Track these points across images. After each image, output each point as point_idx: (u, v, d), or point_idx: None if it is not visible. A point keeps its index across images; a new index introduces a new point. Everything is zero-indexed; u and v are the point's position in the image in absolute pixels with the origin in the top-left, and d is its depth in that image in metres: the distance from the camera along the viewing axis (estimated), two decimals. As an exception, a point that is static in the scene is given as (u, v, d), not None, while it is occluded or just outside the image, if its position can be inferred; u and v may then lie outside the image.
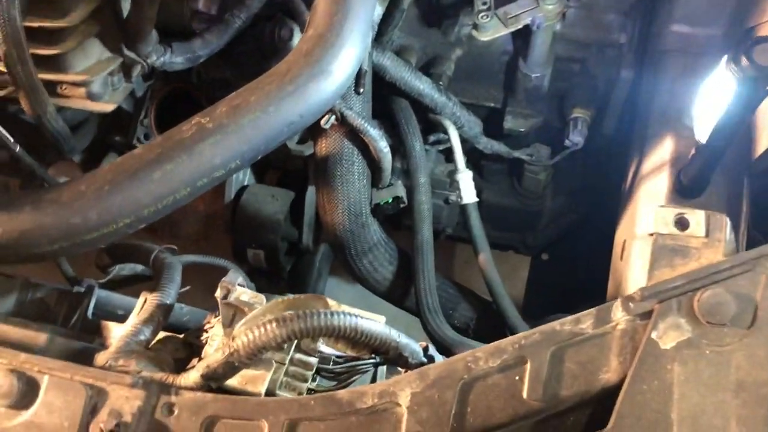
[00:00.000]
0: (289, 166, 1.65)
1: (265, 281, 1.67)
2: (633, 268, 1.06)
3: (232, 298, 0.73)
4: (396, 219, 1.51)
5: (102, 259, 1.05)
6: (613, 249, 1.24)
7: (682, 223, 0.63)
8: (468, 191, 1.31)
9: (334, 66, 0.87)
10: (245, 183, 1.64)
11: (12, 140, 1.10)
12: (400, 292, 1.32)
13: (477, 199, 1.32)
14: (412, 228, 1.29)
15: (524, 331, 1.20)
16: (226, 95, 1.37)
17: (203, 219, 2.12)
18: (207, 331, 0.78)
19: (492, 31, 1.25)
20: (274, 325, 0.63)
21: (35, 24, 0.95)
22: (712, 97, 0.82)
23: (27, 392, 0.63)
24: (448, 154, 1.47)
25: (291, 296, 0.70)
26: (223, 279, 0.75)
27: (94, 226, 0.79)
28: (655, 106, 1.15)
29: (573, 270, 1.76)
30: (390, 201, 1.24)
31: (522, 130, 1.42)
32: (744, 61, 0.73)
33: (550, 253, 1.79)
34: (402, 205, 1.26)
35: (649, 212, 1.06)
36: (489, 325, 1.32)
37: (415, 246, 1.27)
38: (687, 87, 1.09)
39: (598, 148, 1.46)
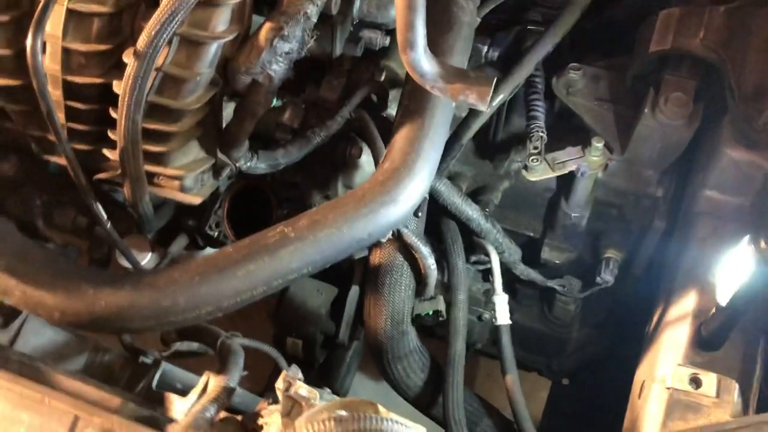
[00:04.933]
0: (336, 265, 1.77)
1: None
2: (649, 409, 1.13)
3: (292, 392, 0.83)
4: (431, 329, 1.61)
5: (169, 335, 1.16)
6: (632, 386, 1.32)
7: (696, 382, 0.72)
8: (503, 313, 1.41)
9: (403, 197, 1.00)
10: (294, 275, 1.76)
11: (105, 217, 1.26)
12: (427, 400, 1.40)
13: (510, 322, 1.42)
14: (447, 340, 1.38)
15: (542, 455, 1.28)
16: (293, 196, 1.53)
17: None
18: (263, 416, 0.88)
19: (540, 173, 1.39)
20: (332, 423, 0.73)
21: (150, 126, 1.10)
22: (734, 266, 0.93)
23: (113, 453, 0.73)
24: (486, 274, 1.58)
25: (347, 399, 0.80)
26: (286, 373, 0.86)
27: (181, 310, 0.91)
28: (684, 261, 1.25)
29: (592, 399, 1.82)
30: (430, 313, 1.35)
31: (557, 261, 1.53)
32: (763, 244, 0.84)
33: (572, 379, 1.86)
34: (441, 319, 1.36)
35: (668, 360, 1.15)
36: (509, 444, 1.39)
37: (448, 358, 1.36)
38: (714, 248, 1.20)
39: (627, 288, 1.56)
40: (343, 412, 0.75)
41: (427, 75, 0.93)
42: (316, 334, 1.65)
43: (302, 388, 0.84)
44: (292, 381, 0.83)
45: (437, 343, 1.55)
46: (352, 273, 1.68)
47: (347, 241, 0.98)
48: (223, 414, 0.92)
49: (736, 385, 0.73)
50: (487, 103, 0.95)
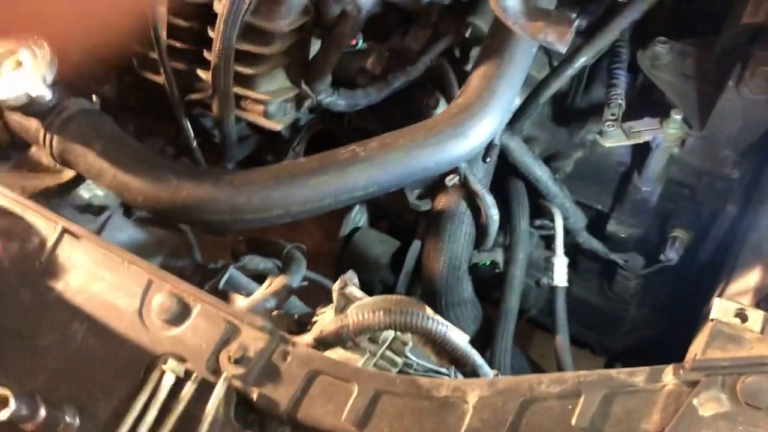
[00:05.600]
0: (401, 219, 1.82)
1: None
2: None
3: (347, 291, 0.88)
4: (486, 290, 1.63)
5: (240, 247, 1.23)
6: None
7: (741, 317, 0.73)
8: (560, 275, 1.42)
9: (473, 131, 1.04)
10: (360, 224, 1.82)
11: (193, 136, 1.34)
12: (475, 352, 1.43)
13: (567, 285, 1.42)
14: (501, 296, 1.41)
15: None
16: (368, 144, 1.58)
17: (309, 255, 2.34)
18: (317, 315, 0.93)
19: (614, 139, 1.39)
20: (381, 312, 0.77)
21: (243, 47, 1.17)
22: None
23: (181, 313, 0.80)
24: (548, 242, 1.59)
25: (396, 296, 0.84)
26: (342, 275, 0.91)
27: (254, 209, 0.97)
28: (750, 240, 1.23)
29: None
30: (487, 263, 1.37)
31: (623, 236, 1.52)
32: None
33: (624, 364, 1.84)
34: (497, 270, 1.38)
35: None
36: (551, 401, 1.40)
37: (500, 312, 1.38)
38: (784, 227, 1.18)
39: (692, 272, 1.53)
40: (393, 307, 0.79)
41: (510, 9, 0.96)
42: (375, 281, 1.70)
43: (356, 290, 0.89)
44: (347, 281, 0.88)
45: (493, 310, 1.57)
46: (415, 228, 1.72)
47: (413, 167, 1.02)
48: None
49: (784, 325, 0.73)
50: (566, 43, 0.97)
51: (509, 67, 1.06)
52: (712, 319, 0.74)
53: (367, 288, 1.69)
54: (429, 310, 0.81)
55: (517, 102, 1.45)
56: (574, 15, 1.47)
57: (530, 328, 1.96)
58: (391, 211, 1.80)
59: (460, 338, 0.80)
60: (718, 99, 1.32)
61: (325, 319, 0.87)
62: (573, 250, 1.57)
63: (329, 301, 1.00)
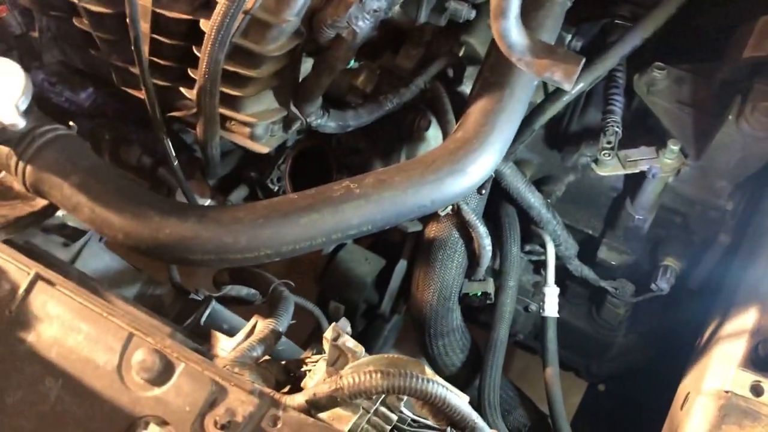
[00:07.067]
0: (387, 236, 1.77)
1: (335, 335, 1.77)
2: (693, 421, 1.11)
3: (340, 342, 0.83)
4: (474, 315, 1.59)
5: (222, 277, 1.17)
6: (674, 398, 1.29)
7: (757, 390, 0.70)
8: (551, 305, 1.39)
9: (472, 168, 0.99)
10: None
11: (174, 155, 1.28)
12: (463, 381, 1.40)
13: (557, 315, 1.39)
14: (491, 326, 1.37)
15: (574, 450, 1.26)
16: (355, 162, 1.53)
17: (288, 261, 2.28)
18: (307, 364, 0.88)
19: (610, 168, 1.36)
20: (378, 375, 0.73)
21: (230, 68, 1.11)
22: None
23: (163, 372, 0.75)
24: (537, 266, 1.56)
25: (394, 355, 0.80)
26: (335, 324, 0.86)
27: (241, 249, 0.92)
28: (748, 277, 1.21)
29: (626, 407, 1.79)
30: (479, 294, 1.33)
31: (613, 263, 1.50)
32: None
33: (608, 386, 1.83)
34: (489, 301, 1.35)
35: (718, 374, 1.11)
36: (540, 436, 1.37)
37: (489, 343, 1.35)
38: (782, 267, 1.15)
39: (681, 300, 1.52)
40: (390, 369, 0.75)
41: (516, 46, 0.91)
42: (359, 301, 1.66)
43: (350, 341, 0.84)
44: (341, 332, 0.84)
45: (479, 331, 1.54)
46: (401, 246, 1.68)
47: (410, 205, 0.97)
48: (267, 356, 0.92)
49: (800, 399, 0.71)
50: (572, 82, 0.93)
51: (510, 101, 1.02)
52: (727, 392, 0.71)
53: (351, 307, 1.68)
54: (428, 370, 0.77)
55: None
56: (579, 41, 1.43)
57: (512, 347, 1.94)
58: (377, 227, 1.75)
59: (459, 400, 0.76)
60: (715, 130, 1.30)
61: (317, 373, 0.83)
62: (562, 274, 1.54)
63: (318, 343, 0.95)
